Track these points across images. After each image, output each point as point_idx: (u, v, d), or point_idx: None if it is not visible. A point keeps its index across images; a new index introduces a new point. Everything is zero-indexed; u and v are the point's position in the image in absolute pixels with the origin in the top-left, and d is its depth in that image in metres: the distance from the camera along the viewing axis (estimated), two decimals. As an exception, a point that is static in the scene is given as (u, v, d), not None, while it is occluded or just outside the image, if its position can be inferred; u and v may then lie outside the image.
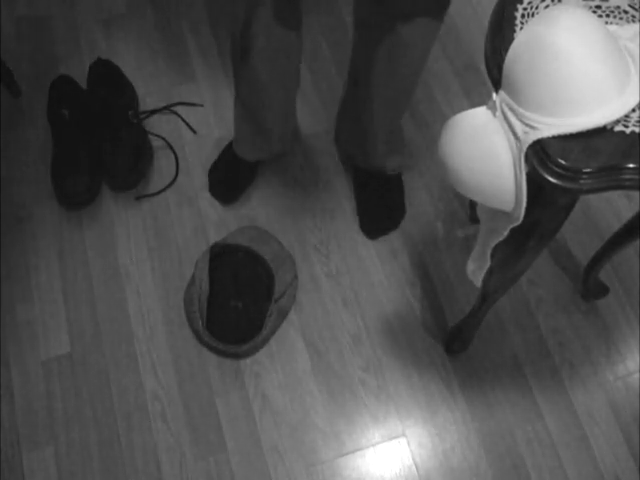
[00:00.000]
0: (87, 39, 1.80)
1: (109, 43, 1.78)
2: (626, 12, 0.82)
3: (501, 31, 0.80)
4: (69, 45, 1.79)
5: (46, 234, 1.55)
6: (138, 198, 1.58)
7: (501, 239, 0.87)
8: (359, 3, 1.18)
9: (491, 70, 0.80)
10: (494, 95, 0.77)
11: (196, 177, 1.61)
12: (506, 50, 0.76)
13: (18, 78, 1.72)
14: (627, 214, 1.57)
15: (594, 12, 0.82)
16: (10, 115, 1.69)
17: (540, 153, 0.71)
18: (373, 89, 1.30)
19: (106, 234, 1.54)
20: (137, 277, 1.50)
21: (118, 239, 1.54)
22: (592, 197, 1.59)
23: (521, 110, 0.73)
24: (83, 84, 1.68)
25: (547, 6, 0.81)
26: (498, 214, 0.85)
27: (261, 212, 1.56)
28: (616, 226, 1.53)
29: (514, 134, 0.73)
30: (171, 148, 1.63)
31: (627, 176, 0.70)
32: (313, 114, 1.69)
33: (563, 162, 0.70)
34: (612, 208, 1.58)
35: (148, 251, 1.52)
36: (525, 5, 0.82)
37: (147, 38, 1.79)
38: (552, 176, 0.71)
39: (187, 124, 1.66)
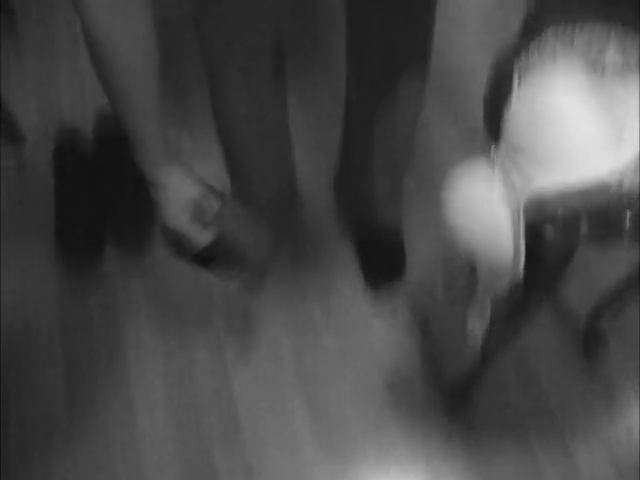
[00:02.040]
0: (92, 89, 1.83)
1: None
2: (622, 68, 0.84)
3: (500, 88, 0.83)
4: (74, 93, 1.82)
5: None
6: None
7: (500, 296, 0.88)
8: (349, 65, 1.23)
9: (490, 125, 0.82)
10: (493, 149, 0.79)
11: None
12: (504, 106, 0.78)
13: (22, 128, 1.74)
14: (626, 265, 1.57)
15: (590, 67, 0.83)
16: (12, 165, 1.71)
17: (537, 206, 0.72)
18: (368, 147, 1.33)
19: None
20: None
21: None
22: (591, 248, 1.59)
23: (519, 164, 0.74)
24: (88, 131, 1.69)
25: (544, 63, 0.84)
26: (497, 270, 0.86)
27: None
28: (615, 277, 1.53)
29: (512, 187, 0.75)
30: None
31: (624, 225, 0.71)
32: (313, 167, 1.71)
33: (560, 214, 0.71)
34: (611, 259, 1.58)
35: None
36: (523, 62, 0.84)
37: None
38: (549, 229, 0.72)
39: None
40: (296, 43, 1.85)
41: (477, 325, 1.03)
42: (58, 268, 1.57)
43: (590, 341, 1.44)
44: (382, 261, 1.56)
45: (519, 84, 0.82)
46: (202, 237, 1.01)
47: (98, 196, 1.60)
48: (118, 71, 0.86)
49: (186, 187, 0.98)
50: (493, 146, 0.80)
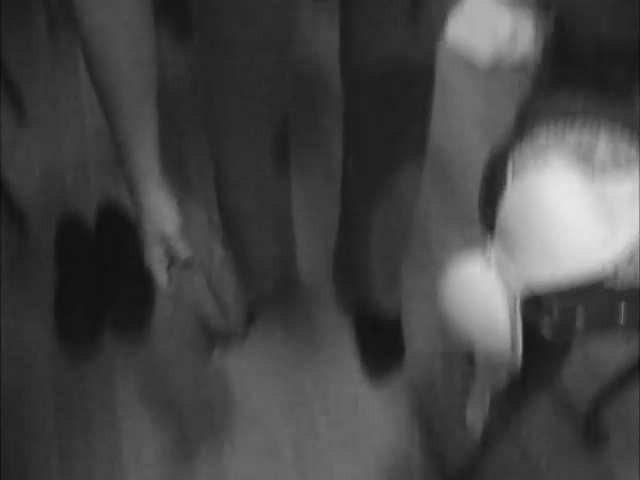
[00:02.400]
0: (97, 183, 1.86)
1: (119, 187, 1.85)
2: (612, 161, 0.86)
3: (494, 181, 0.84)
4: (78, 174, 1.85)
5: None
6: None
7: (499, 386, 0.87)
8: (345, 155, 1.26)
9: (485, 218, 0.83)
10: (488, 244, 0.80)
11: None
12: (499, 202, 0.80)
13: (25, 204, 1.76)
14: (625, 353, 1.57)
15: (581, 161, 0.85)
16: (14, 242, 1.73)
17: (532, 300, 0.73)
18: (365, 232, 1.35)
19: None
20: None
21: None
22: (589, 340, 1.59)
23: (514, 257, 0.75)
24: (91, 224, 1.72)
25: (536, 161, 0.86)
26: (495, 361, 0.86)
27: (257, 353, 1.57)
28: (615, 364, 1.52)
29: (508, 282, 0.76)
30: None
31: (620, 317, 0.72)
32: (311, 247, 1.72)
33: (555, 309, 0.72)
34: (611, 349, 1.58)
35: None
36: (515, 159, 0.86)
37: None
38: (545, 322, 0.72)
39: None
40: (295, 127, 1.89)
41: (476, 415, 1.02)
42: (56, 345, 1.57)
43: (591, 430, 1.43)
44: (380, 345, 1.55)
45: (513, 178, 0.84)
46: (163, 281, 0.94)
47: (99, 276, 1.61)
48: (110, 64, 0.80)
49: (169, 219, 0.91)
50: (489, 238, 0.81)
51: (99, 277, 1.60)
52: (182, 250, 0.93)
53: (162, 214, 0.90)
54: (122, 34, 0.79)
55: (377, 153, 1.19)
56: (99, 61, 0.80)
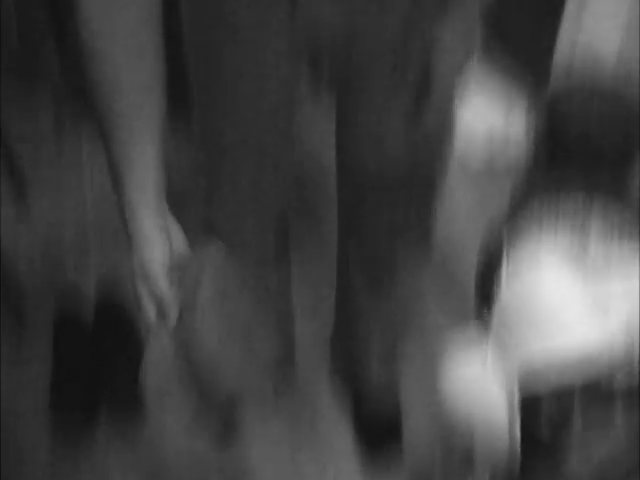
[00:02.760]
0: (96, 252, 1.88)
1: (119, 270, 1.86)
2: (605, 237, 0.88)
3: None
4: (78, 256, 1.87)
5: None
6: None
7: (498, 469, 0.87)
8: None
9: (482, 298, 0.84)
10: (486, 321, 0.81)
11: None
12: (495, 279, 0.81)
13: (24, 283, 1.76)
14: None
15: (575, 236, 0.86)
16: (11, 321, 1.73)
17: (529, 380, 0.73)
18: (363, 325, 1.34)
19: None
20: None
21: None
22: (588, 419, 1.58)
23: (510, 337, 0.76)
24: (90, 292, 1.71)
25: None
26: (494, 444, 0.85)
27: (256, 440, 1.55)
28: (615, 444, 1.50)
29: (505, 360, 0.76)
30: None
31: (617, 396, 0.72)
32: (308, 326, 1.72)
33: (552, 390, 0.72)
34: (609, 428, 1.56)
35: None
36: (511, 234, 0.87)
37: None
38: (543, 403, 0.73)
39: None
40: (295, 221, 1.92)
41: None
42: (51, 432, 1.54)
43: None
44: (378, 435, 1.54)
45: (508, 256, 0.85)
46: (149, 317, 0.86)
47: (96, 360, 1.60)
48: (112, 68, 0.75)
49: (155, 255, 0.83)
50: (486, 318, 0.82)
51: (95, 370, 1.60)
52: (163, 291, 0.83)
53: (148, 248, 0.82)
54: (126, 44, 0.74)
55: (375, 252, 1.19)
56: (98, 62, 0.75)
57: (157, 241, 0.83)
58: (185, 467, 1.51)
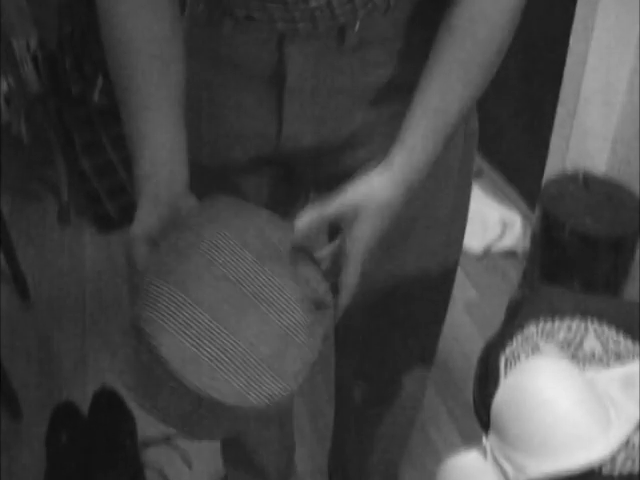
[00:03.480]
0: (94, 368, 1.86)
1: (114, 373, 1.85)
2: (601, 358, 0.89)
3: (487, 379, 0.86)
4: (76, 370, 1.85)
5: None
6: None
7: None
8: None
9: (480, 415, 0.83)
10: (484, 439, 0.80)
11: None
12: (493, 396, 0.81)
13: (21, 399, 1.74)
14: None
15: (571, 357, 0.88)
16: (8, 437, 1.69)
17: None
18: (362, 437, 1.31)
19: None
20: None
21: None
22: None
23: (510, 453, 0.75)
24: (85, 409, 1.69)
25: (527, 354, 0.88)
26: None
27: None
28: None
29: (506, 475, 0.75)
30: (166, 480, 1.61)
31: None
32: (308, 450, 1.69)
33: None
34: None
35: None
36: (507, 354, 0.88)
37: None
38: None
39: (183, 457, 1.65)
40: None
41: None
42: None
43: None
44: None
45: (505, 374, 0.85)
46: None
47: (89, 461, 1.57)
48: (134, 62, 0.76)
49: (140, 226, 0.80)
50: (485, 435, 0.81)
51: (90, 462, 1.57)
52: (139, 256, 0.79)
53: (139, 217, 0.80)
54: (147, 28, 0.76)
55: (375, 366, 1.16)
56: (120, 56, 0.77)
57: (141, 214, 0.81)
58: None
